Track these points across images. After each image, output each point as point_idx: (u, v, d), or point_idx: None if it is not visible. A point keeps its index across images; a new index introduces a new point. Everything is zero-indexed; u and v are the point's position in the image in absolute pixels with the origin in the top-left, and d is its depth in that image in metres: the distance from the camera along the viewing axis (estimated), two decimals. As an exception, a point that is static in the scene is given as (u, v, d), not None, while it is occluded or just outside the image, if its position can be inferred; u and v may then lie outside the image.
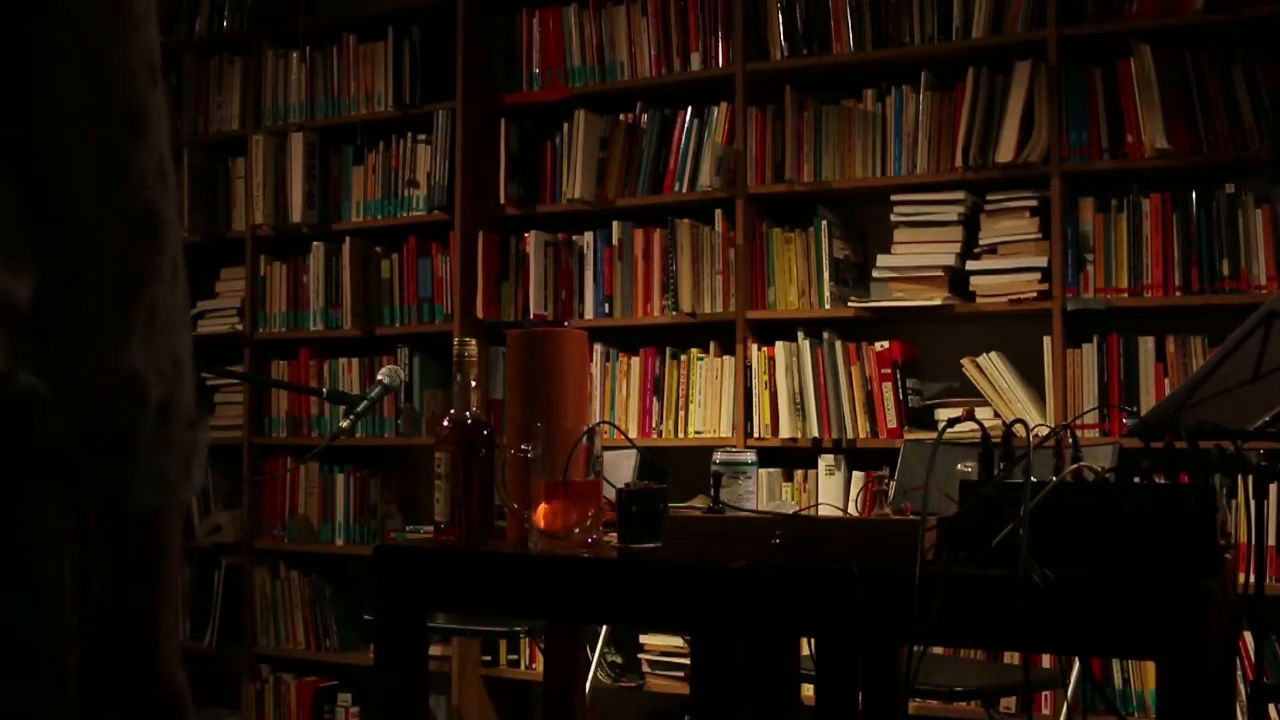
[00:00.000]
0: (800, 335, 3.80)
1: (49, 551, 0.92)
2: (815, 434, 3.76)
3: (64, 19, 0.89)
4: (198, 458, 0.96)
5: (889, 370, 3.70)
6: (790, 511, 1.89)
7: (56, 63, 0.89)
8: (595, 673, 3.70)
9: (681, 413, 3.97)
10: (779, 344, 3.82)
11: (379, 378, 2.92)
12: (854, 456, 3.76)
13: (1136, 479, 1.70)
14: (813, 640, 2.31)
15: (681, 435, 3.95)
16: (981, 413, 3.54)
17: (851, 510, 3.40)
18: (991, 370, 3.59)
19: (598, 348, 4.05)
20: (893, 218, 3.70)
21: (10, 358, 0.88)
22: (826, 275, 3.78)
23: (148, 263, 0.91)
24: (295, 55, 4.60)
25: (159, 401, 0.92)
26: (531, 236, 4.19)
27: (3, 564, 0.90)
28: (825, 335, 3.79)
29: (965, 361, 3.63)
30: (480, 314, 4.22)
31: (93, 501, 0.94)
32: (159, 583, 0.96)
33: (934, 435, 3.30)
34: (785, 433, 3.80)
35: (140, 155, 0.92)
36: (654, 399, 4.02)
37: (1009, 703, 3.47)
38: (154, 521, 0.95)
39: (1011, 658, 3.26)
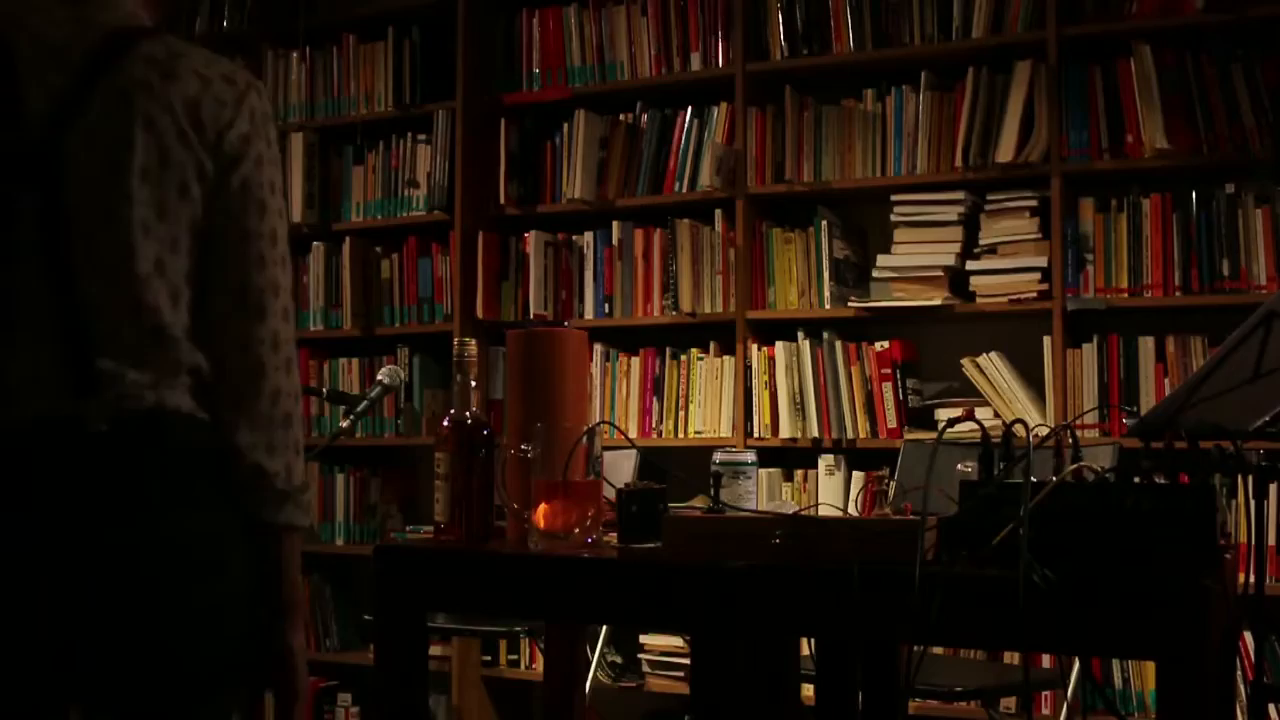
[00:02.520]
0: (800, 335, 3.80)
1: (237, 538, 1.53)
2: (815, 434, 3.76)
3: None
4: (307, 503, 1.56)
5: (889, 370, 3.70)
6: (790, 511, 1.89)
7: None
8: (595, 673, 3.70)
9: (681, 413, 3.97)
10: (779, 344, 3.82)
11: (379, 378, 2.93)
12: (854, 456, 3.76)
13: (1136, 479, 1.70)
14: (813, 640, 2.31)
15: (681, 435, 3.95)
16: (981, 413, 3.53)
17: (851, 510, 3.39)
18: (991, 370, 3.59)
19: (598, 348, 4.05)
20: (893, 218, 3.70)
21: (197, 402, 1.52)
22: (826, 275, 3.78)
23: (291, 380, 1.55)
24: (295, 55, 4.60)
25: (285, 466, 1.53)
26: (531, 236, 4.18)
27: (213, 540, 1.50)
28: (825, 335, 3.79)
29: (965, 361, 3.63)
30: (480, 314, 4.22)
31: (264, 512, 1.52)
32: (294, 577, 1.57)
33: (934, 435, 3.30)
34: (785, 433, 3.80)
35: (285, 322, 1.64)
36: (654, 399, 4.02)
37: (1009, 703, 3.47)
38: (288, 535, 1.55)
39: (1011, 658, 3.26)
